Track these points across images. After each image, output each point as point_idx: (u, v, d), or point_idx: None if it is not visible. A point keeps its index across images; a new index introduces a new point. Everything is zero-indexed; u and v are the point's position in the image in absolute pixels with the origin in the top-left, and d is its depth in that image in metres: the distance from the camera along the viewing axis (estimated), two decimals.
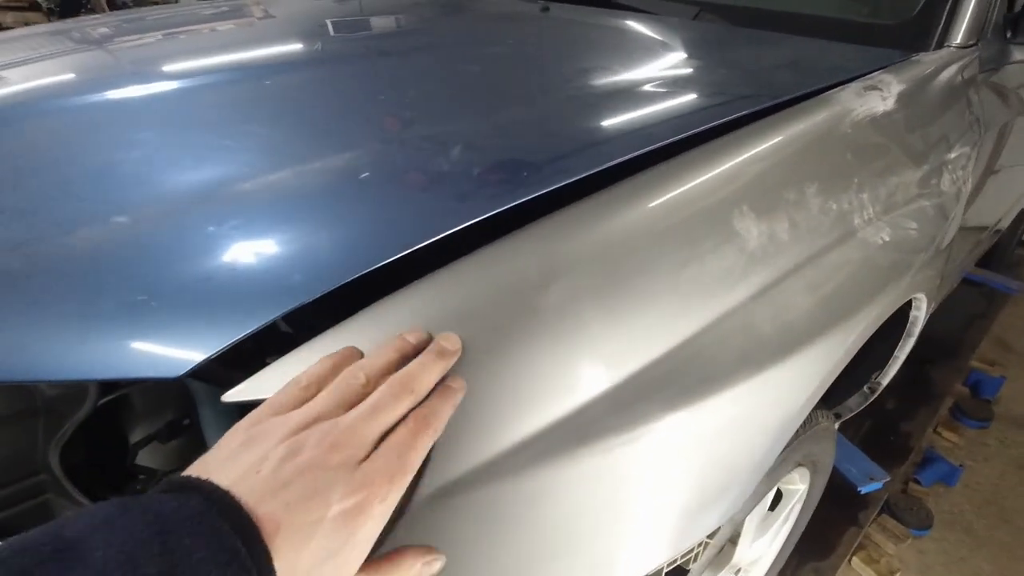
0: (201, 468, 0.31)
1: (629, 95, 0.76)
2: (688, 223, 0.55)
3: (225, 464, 0.31)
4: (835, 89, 0.75)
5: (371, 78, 0.88)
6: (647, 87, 0.78)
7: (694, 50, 0.96)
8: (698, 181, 0.58)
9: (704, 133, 0.64)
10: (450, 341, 0.40)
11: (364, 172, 0.55)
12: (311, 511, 0.30)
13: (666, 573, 0.55)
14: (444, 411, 0.37)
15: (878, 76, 0.81)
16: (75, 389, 0.54)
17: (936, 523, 1.62)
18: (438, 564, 0.37)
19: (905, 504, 1.63)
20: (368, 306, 0.43)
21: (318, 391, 0.35)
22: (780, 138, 0.66)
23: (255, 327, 0.38)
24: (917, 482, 1.73)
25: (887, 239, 0.73)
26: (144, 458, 0.63)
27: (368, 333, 0.41)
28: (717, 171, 0.60)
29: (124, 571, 0.23)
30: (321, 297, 0.42)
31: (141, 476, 0.61)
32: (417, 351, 0.38)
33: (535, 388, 0.44)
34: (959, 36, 0.97)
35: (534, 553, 0.44)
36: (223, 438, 0.33)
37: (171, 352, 0.37)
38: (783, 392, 0.58)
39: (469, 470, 0.40)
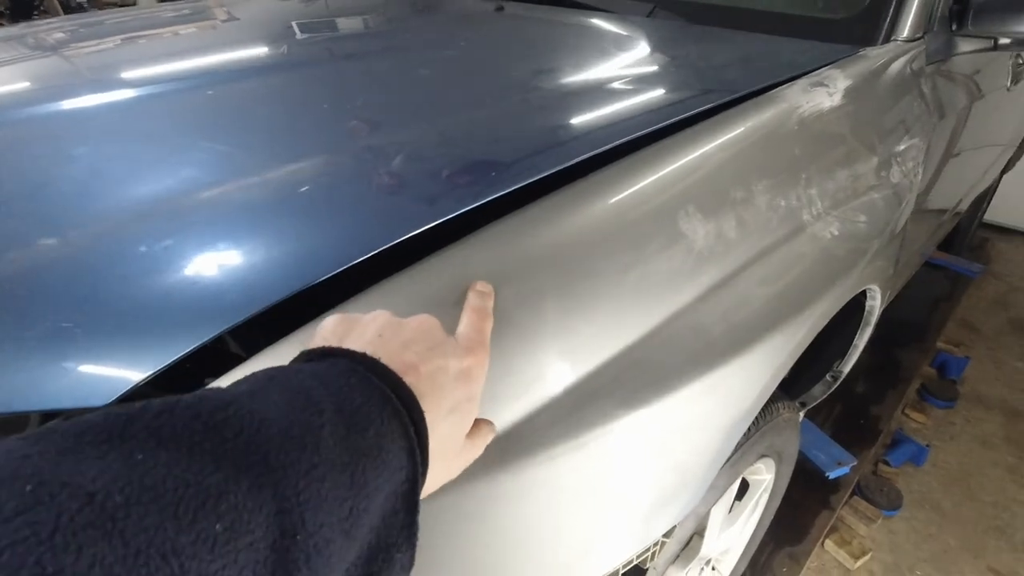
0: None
1: (581, 96, 0.76)
2: (636, 225, 0.56)
3: (345, 338, 0.34)
4: (782, 86, 0.76)
5: (326, 83, 0.87)
6: (600, 87, 0.78)
7: (647, 48, 0.96)
8: (646, 183, 0.59)
9: (653, 133, 0.64)
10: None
11: (306, 184, 0.55)
12: (437, 359, 0.34)
13: (623, 574, 0.56)
14: (488, 303, 0.43)
15: (825, 72, 0.82)
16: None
17: (905, 502, 1.66)
18: (494, 431, 0.42)
19: (875, 485, 1.67)
20: (312, 320, 0.43)
21: None
22: (727, 136, 0.66)
23: (187, 349, 0.38)
24: (887, 463, 1.77)
25: (835, 234, 0.74)
26: None
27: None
28: (664, 172, 0.60)
29: (304, 408, 0.26)
30: (264, 312, 0.42)
31: None
32: None
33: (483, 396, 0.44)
34: (906, 30, 0.98)
35: (481, 562, 0.44)
36: (320, 327, 0.36)
37: (98, 380, 0.37)
38: (734, 391, 0.59)
39: None
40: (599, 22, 1.09)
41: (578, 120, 0.69)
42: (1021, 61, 1.53)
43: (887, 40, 0.98)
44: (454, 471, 0.37)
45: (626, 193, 0.57)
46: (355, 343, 0.33)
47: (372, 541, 0.27)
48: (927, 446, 1.81)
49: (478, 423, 0.40)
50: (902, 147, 0.93)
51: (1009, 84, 1.46)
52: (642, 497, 0.53)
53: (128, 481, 0.19)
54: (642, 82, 0.80)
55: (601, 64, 0.89)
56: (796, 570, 1.46)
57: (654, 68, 0.88)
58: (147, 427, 0.22)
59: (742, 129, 0.68)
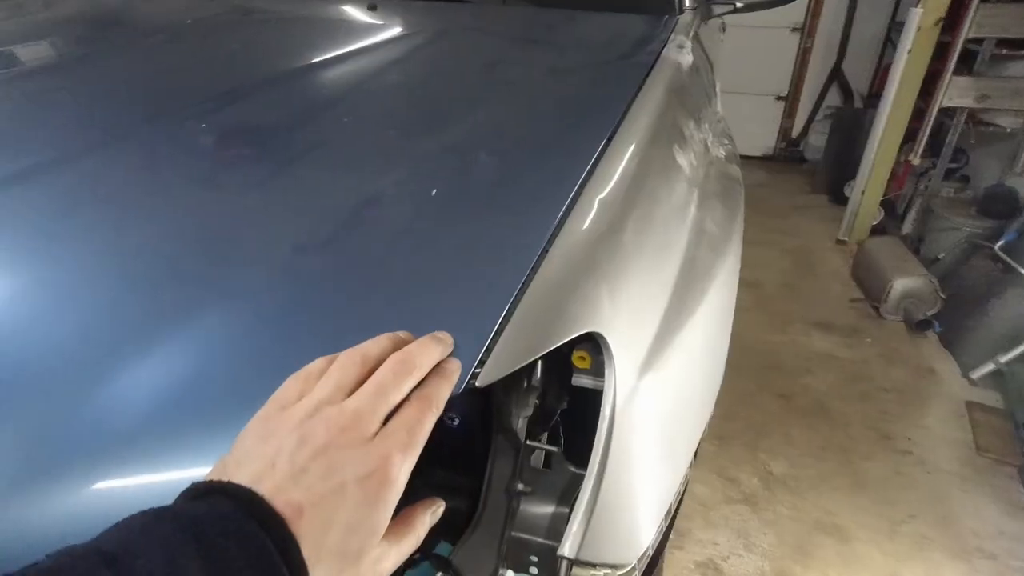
0: (221, 471, 0.32)
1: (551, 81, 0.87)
2: (674, 161, 0.71)
3: (242, 464, 0.32)
4: (664, 51, 0.98)
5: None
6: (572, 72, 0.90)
7: (545, 35, 1.10)
8: (653, 132, 0.73)
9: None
10: (443, 334, 0.41)
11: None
12: (330, 490, 0.31)
13: None
14: (444, 391, 0.38)
15: (677, 37, 1.07)
16: None
17: None
18: (440, 507, 0.40)
19: None
20: None
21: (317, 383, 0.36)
22: (665, 87, 0.85)
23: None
24: None
25: (723, 155, 1.00)
26: None
27: None
28: (657, 117, 0.76)
29: (172, 565, 0.26)
30: None
31: None
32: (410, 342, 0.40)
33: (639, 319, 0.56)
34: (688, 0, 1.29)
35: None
36: (237, 439, 0.34)
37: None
38: (733, 280, 0.79)
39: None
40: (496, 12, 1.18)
41: (573, 107, 0.81)
42: (722, 20, 2.05)
43: (681, 10, 1.27)
44: (386, 567, 0.35)
45: (646, 143, 0.72)
46: (250, 468, 0.31)
47: None
48: None
49: (410, 511, 0.38)
50: (717, 88, 1.24)
51: (722, 36, 1.95)
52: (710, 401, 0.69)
53: None
54: (573, 68, 0.94)
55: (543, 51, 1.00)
56: None
57: (579, 52, 1.02)
58: None
59: (668, 83, 0.87)
